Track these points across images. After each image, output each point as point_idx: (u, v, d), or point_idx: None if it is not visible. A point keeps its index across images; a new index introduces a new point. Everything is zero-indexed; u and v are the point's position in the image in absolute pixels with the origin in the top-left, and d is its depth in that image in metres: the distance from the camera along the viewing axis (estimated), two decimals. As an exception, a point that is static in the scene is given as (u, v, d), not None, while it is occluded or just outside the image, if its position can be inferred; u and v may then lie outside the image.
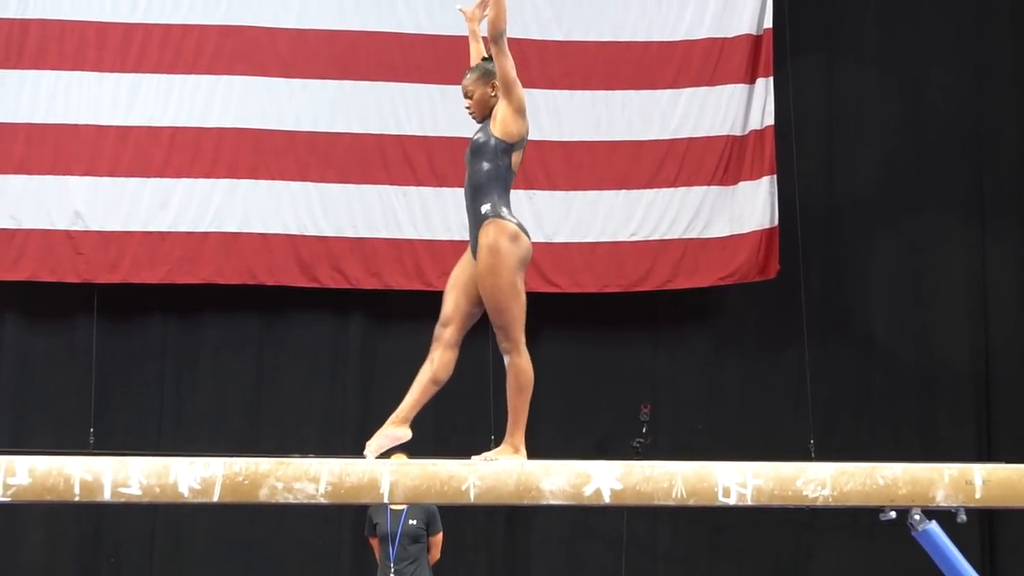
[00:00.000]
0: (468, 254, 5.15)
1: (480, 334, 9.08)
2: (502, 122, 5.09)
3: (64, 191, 8.89)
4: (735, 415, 9.40)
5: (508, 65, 5.04)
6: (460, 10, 5.57)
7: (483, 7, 5.42)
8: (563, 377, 9.30)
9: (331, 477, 4.57)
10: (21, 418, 8.92)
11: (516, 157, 5.13)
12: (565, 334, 9.37)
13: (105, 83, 9.04)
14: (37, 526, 8.90)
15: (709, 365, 9.50)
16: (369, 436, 8.66)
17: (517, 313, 5.03)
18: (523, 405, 5.04)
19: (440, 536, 7.88)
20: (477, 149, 5.10)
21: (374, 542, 7.88)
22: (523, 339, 5.06)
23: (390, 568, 7.68)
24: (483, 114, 5.19)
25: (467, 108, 5.25)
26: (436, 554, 7.87)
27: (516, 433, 5.02)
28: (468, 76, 5.24)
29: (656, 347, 9.48)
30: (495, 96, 5.14)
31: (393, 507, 7.62)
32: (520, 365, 5.03)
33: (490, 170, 5.07)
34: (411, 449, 7.52)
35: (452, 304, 5.13)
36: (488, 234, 5.00)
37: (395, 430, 5.05)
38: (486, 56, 5.25)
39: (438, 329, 5.12)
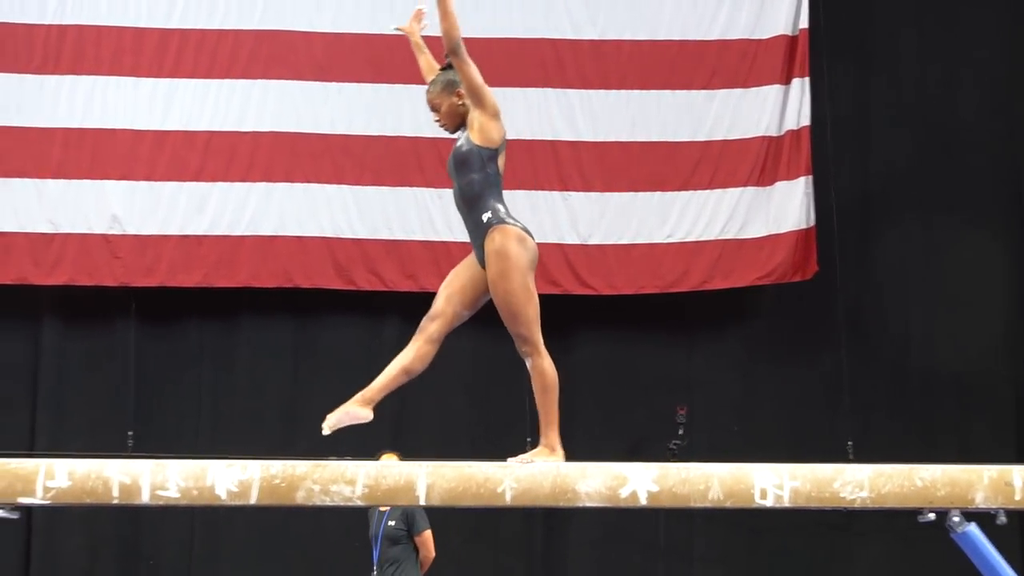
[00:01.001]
0: (469, 259, 5.13)
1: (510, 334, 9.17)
2: (480, 130, 5.03)
3: (101, 195, 8.95)
4: (771, 417, 9.37)
5: (472, 72, 4.99)
6: (397, 29, 5.50)
7: (418, 19, 5.41)
8: (598, 379, 9.29)
9: (367, 480, 4.58)
10: (60, 421, 8.98)
11: (501, 160, 5.10)
12: (600, 336, 9.37)
13: (142, 88, 9.09)
14: (78, 528, 8.96)
15: (744, 367, 9.47)
16: (406, 439, 8.71)
17: (532, 315, 5.01)
18: (551, 405, 5.02)
19: (427, 534, 7.84)
20: (462, 161, 5.04)
21: None
22: (541, 340, 5.05)
23: (373, 571, 7.70)
24: (455, 124, 5.15)
25: (436, 121, 5.19)
26: (427, 553, 7.85)
27: (550, 433, 5.01)
28: (431, 89, 5.17)
29: (691, 349, 9.46)
30: (463, 104, 5.10)
31: (381, 508, 7.60)
32: (542, 366, 5.03)
33: (481, 179, 5.02)
34: (447, 450, 7.56)
35: (444, 301, 5.12)
36: (494, 240, 4.97)
37: (357, 409, 5.03)
38: (444, 66, 5.19)
39: (425, 322, 5.11)
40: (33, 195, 8.98)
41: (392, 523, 7.72)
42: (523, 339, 5.02)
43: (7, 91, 9.01)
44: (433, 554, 7.88)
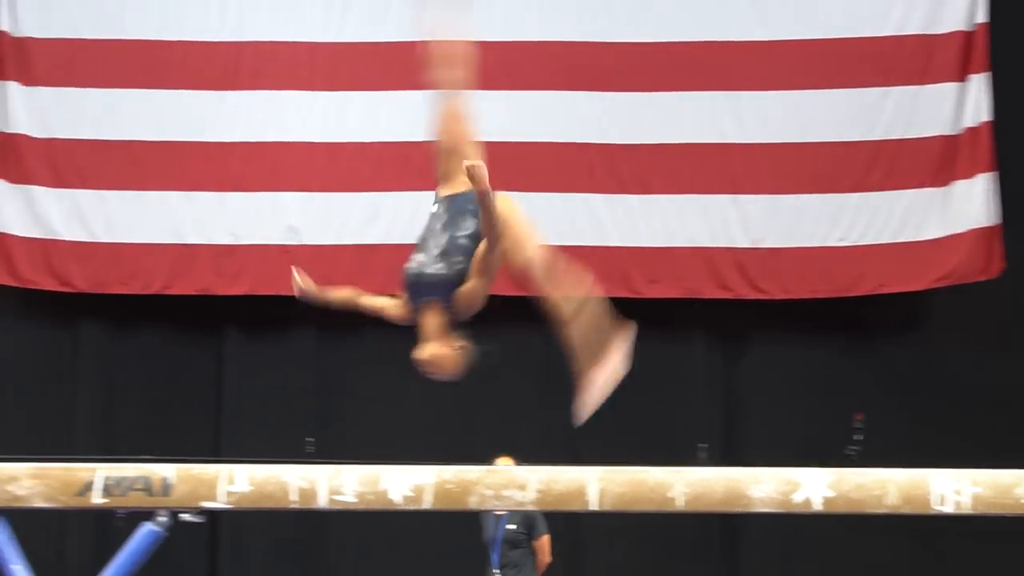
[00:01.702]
0: None
1: (689, 338, 9.13)
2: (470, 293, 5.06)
3: (279, 207, 9.17)
4: (950, 421, 9.13)
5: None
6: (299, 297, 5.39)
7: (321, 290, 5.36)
8: (772, 385, 9.19)
9: (539, 484, 4.60)
10: (243, 427, 9.21)
11: None
12: (773, 341, 9.27)
13: (316, 101, 9.29)
14: (262, 530, 9.19)
15: (923, 371, 9.25)
16: (579, 446, 8.71)
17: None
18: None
19: (546, 539, 7.84)
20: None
21: None
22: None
23: (493, 574, 7.70)
24: None
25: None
26: (544, 557, 7.85)
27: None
28: None
29: (867, 353, 9.26)
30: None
31: (496, 512, 7.61)
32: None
33: None
34: (618, 454, 7.54)
35: None
36: None
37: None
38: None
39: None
40: (215, 208, 9.25)
41: (512, 527, 7.75)
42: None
43: (188, 108, 9.29)
44: (549, 559, 7.91)
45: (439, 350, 5.05)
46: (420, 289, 5.02)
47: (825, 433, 8.88)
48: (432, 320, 5.04)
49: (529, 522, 7.77)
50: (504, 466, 7.18)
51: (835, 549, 8.81)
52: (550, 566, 8.02)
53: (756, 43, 9.28)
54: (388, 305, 5.22)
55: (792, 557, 9.07)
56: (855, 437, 8.20)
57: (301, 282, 5.11)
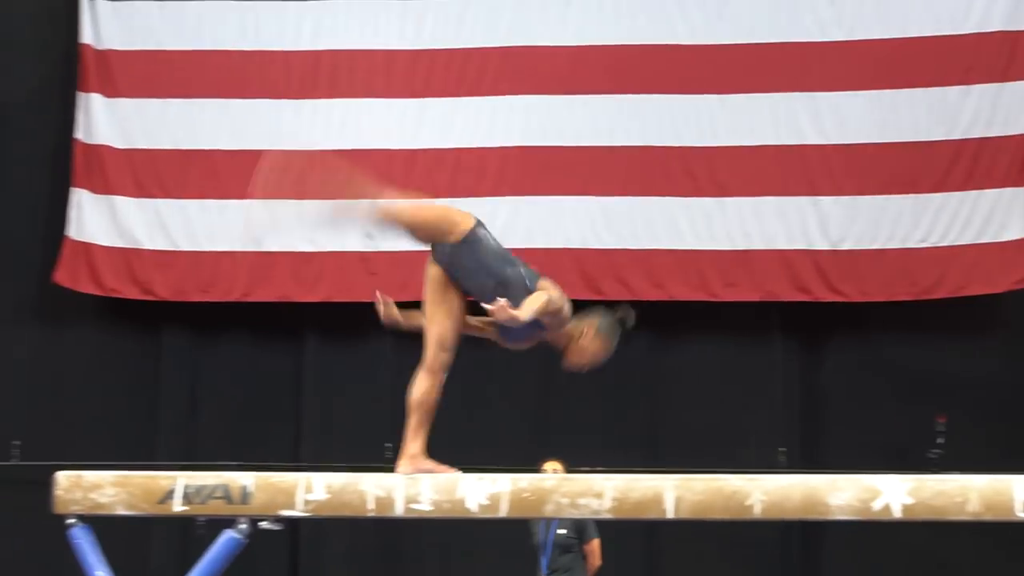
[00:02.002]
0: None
1: (767, 341, 9.06)
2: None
3: (357, 214, 9.21)
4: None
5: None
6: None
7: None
8: (852, 388, 9.10)
9: (615, 493, 4.61)
10: (321, 433, 9.28)
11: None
12: (853, 344, 9.17)
13: (393, 109, 9.34)
14: (342, 537, 9.25)
15: (1003, 373, 9.10)
16: (657, 452, 8.67)
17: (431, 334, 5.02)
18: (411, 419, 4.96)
19: (596, 543, 7.81)
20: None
21: None
22: (431, 359, 5.01)
23: None
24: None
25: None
26: (595, 561, 7.83)
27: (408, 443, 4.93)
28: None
29: (949, 356, 9.12)
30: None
31: (547, 516, 7.58)
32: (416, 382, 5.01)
33: None
34: (698, 462, 7.52)
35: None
36: None
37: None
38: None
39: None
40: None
41: (563, 531, 7.74)
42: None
43: (267, 116, 9.37)
44: (599, 563, 7.88)
45: (578, 351, 5.12)
46: (511, 333, 5.07)
47: (906, 437, 8.77)
48: (541, 340, 5.08)
49: (580, 526, 7.77)
50: (552, 472, 7.20)
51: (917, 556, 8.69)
52: (600, 569, 8.00)
53: (833, 43, 9.19)
54: (478, 325, 5.24)
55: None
56: (938, 440, 8.08)
57: (384, 310, 5.14)
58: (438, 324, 5.01)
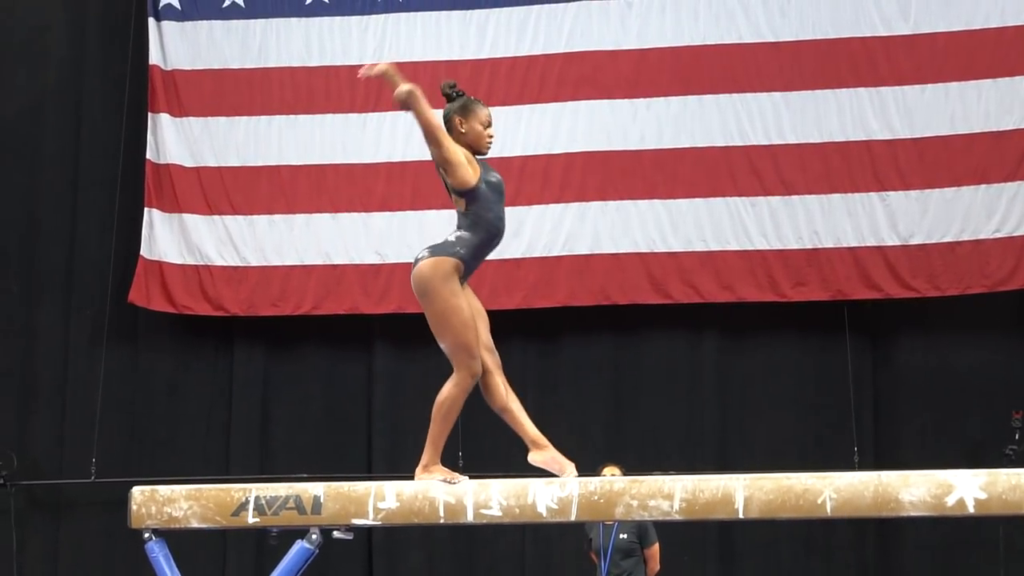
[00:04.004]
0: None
1: (837, 340, 8.97)
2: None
3: (423, 226, 9.25)
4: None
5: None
6: None
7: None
8: (927, 385, 8.99)
9: (684, 494, 4.59)
10: (394, 444, 9.32)
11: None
12: (927, 339, 9.07)
13: (458, 119, 9.36)
14: (415, 546, 9.29)
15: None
16: (727, 456, 8.61)
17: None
18: (434, 427, 5.05)
19: (656, 548, 7.77)
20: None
21: (593, 556, 7.89)
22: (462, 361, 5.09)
23: None
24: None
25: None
26: (654, 566, 7.79)
27: (428, 451, 5.00)
28: None
29: (1021, 351, 8.98)
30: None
31: (606, 521, 7.54)
32: (444, 388, 5.08)
33: None
34: (773, 462, 7.47)
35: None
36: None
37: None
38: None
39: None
40: (361, 228, 9.40)
41: (625, 536, 7.72)
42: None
43: (333, 131, 9.47)
44: (659, 567, 7.83)
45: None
46: None
47: (981, 435, 8.65)
48: None
49: (641, 531, 7.75)
50: (611, 475, 7.19)
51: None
52: (659, 574, 7.97)
53: (898, 37, 9.10)
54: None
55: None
56: (1016, 437, 7.96)
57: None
58: (459, 332, 5.15)
